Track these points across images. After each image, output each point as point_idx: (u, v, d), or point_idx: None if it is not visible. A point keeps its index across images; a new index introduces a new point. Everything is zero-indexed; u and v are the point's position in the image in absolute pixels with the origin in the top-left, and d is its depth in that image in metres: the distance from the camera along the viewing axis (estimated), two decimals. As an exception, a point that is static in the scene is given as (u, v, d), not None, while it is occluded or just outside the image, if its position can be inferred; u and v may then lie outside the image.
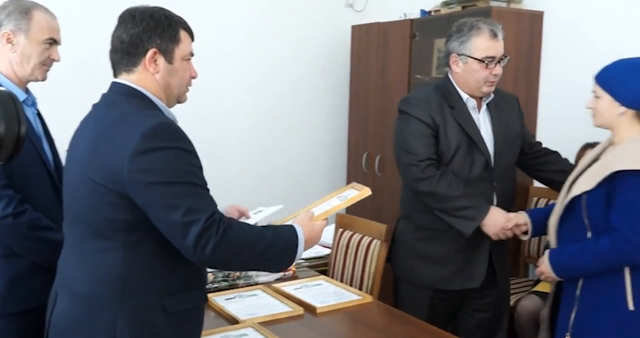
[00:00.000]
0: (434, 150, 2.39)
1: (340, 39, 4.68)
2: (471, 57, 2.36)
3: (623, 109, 2.00)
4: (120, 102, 1.56)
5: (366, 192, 1.84)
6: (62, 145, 2.19)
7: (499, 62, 2.38)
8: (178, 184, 1.44)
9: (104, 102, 1.61)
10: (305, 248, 1.62)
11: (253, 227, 1.57)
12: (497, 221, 2.33)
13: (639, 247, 1.91)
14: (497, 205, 2.42)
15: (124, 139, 1.45)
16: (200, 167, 1.52)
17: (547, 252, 2.12)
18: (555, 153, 2.63)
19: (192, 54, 1.64)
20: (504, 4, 3.50)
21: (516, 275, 3.64)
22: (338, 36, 4.69)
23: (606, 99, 2.02)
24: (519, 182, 2.81)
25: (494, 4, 3.45)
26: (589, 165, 2.13)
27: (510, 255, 3.57)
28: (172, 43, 1.57)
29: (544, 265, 2.11)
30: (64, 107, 3.01)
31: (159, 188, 1.43)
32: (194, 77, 1.67)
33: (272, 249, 1.54)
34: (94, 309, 1.51)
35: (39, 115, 2.12)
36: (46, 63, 2.03)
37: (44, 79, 2.05)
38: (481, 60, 2.35)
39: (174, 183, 1.44)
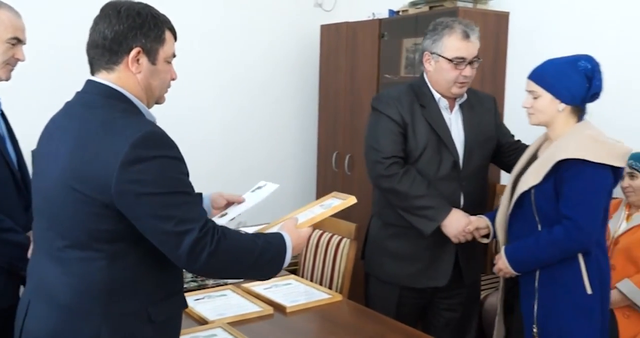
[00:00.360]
0: (400, 148, 2.41)
1: (310, 39, 4.68)
2: (442, 56, 2.37)
3: (563, 105, 2.10)
4: (100, 104, 1.48)
5: (351, 200, 1.84)
6: (26, 146, 2.16)
7: (470, 63, 2.38)
8: (170, 194, 1.40)
9: (81, 102, 1.53)
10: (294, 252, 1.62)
11: (245, 236, 1.56)
12: (458, 223, 2.35)
13: (590, 233, 2.03)
14: (464, 205, 2.44)
15: (112, 147, 1.38)
16: (187, 174, 1.48)
17: (502, 248, 2.18)
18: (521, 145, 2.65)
19: (174, 56, 1.58)
20: (470, 5, 3.55)
21: (484, 272, 3.68)
22: (307, 36, 4.70)
23: (547, 97, 2.11)
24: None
25: (460, 4, 3.49)
26: (529, 162, 2.20)
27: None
28: (157, 43, 1.51)
29: (502, 262, 2.17)
30: (28, 107, 2.97)
31: (151, 199, 1.38)
32: (173, 79, 1.61)
33: (264, 257, 1.54)
34: (76, 320, 1.45)
35: (2, 114, 2.08)
36: (10, 62, 1.99)
37: (7, 79, 2.01)
38: (451, 60, 2.36)
39: (165, 193, 1.40)
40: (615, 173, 2.07)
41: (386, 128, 2.42)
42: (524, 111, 3.57)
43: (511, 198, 2.20)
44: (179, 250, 1.40)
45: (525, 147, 2.63)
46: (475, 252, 2.58)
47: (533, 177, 2.10)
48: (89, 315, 1.45)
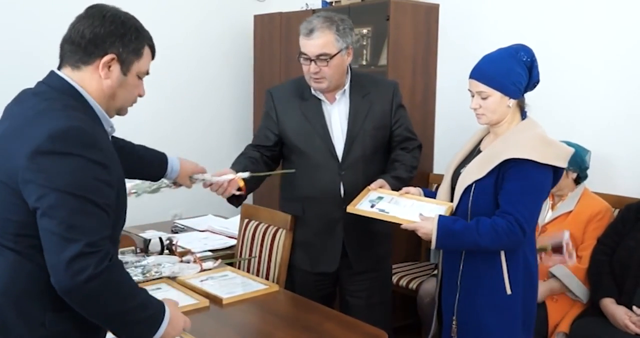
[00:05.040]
0: (260, 139, 2.58)
1: (243, 28, 4.66)
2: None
3: (512, 101, 2.05)
4: (50, 96, 1.45)
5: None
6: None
7: (314, 61, 2.35)
8: (73, 196, 1.33)
9: (34, 90, 1.50)
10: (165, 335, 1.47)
11: (131, 279, 1.44)
12: None
13: (527, 234, 2.00)
14: (345, 196, 2.44)
15: (31, 135, 1.35)
16: (108, 183, 1.40)
17: (436, 215, 2.06)
18: (402, 159, 2.55)
19: (147, 73, 1.57)
20: (401, -4, 3.60)
21: (417, 259, 3.77)
22: (240, 25, 4.68)
23: (496, 95, 2.03)
24: (419, 169, 2.82)
25: (392, -5, 3.55)
26: (470, 154, 2.19)
27: (411, 240, 3.69)
28: (133, 56, 1.51)
29: (428, 224, 2.04)
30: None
31: (52, 195, 1.31)
32: (140, 96, 1.60)
33: (139, 313, 1.42)
34: None
35: None
36: None
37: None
38: (299, 55, 2.39)
39: (68, 193, 1.32)
40: (556, 173, 2.07)
41: (263, 121, 2.59)
42: (454, 102, 3.70)
43: (452, 189, 2.18)
44: (58, 258, 1.31)
45: (405, 158, 2.56)
46: (368, 242, 2.58)
47: (477, 170, 2.06)
48: None
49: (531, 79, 2.06)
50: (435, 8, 3.72)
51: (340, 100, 2.49)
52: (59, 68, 1.51)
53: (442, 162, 3.80)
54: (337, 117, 2.49)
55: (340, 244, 2.52)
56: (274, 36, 4.31)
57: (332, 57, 2.35)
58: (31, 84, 1.54)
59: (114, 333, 1.49)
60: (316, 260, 2.56)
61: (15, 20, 3.77)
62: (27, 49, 3.77)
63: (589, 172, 2.93)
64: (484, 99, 2.05)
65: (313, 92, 2.48)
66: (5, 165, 1.38)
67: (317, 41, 2.34)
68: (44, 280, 1.38)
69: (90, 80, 1.48)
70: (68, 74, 1.49)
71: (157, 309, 1.46)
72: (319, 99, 2.48)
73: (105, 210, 1.39)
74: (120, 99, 1.54)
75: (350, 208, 2.24)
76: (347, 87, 2.48)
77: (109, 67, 1.48)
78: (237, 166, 2.43)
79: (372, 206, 2.24)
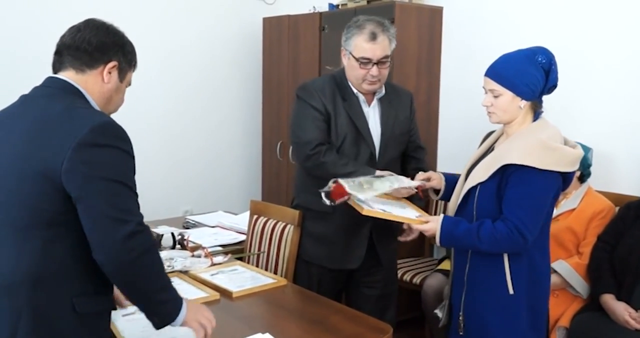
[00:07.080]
0: (325, 135, 2.48)
1: (252, 30, 4.73)
2: (352, 54, 2.45)
3: (524, 102, 2.03)
4: (62, 98, 1.57)
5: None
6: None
7: (377, 64, 2.42)
8: (117, 183, 1.47)
9: (41, 94, 1.61)
10: (188, 318, 1.62)
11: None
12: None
13: (529, 240, 1.99)
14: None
15: (71, 129, 1.46)
16: (134, 172, 1.55)
17: (441, 215, 2.12)
18: (419, 160, 2.67)
19: (129, 84, 1.73)
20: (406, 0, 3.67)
21: (421, 255, 3.84)
22: (250, 28, 4.74)
23: (508, 95, 2.02)
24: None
25: (397, -1, 3.61)
26: (484, 154, 2.19)
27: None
28: (129, 65, 1.68)
29: (433, 226, 2.10)
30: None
31: (98, 182, 1.45)
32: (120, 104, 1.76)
33: (165, 292, 1.58)
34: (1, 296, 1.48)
35: None
36: None
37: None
38: (357, 59, 2.43)
39: (113, 180, 1.47)
40: (565, 176, 2.06)
41: (311, 116, 2.48)
42: (458, 102, 3.76)
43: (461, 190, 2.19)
44: (115, 236, 1.44)
45: (415, 157, 2.66)
46: (391, 237, 2.65)
47: (481, 173, 2.07)
48: (10, 299, 1.47)
49: (548, 82, 2.04)
50: (439, 11, 3.78)
51: (375, 103, 2.56)
52: (55, 72, 1.63)
53: (445, 161, 3.86)
54: (373, 119, 2.54)
55: (365, 242, 2.57)
56: (282, 38, 4.38)
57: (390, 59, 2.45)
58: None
59: (147, 311, 1.59)
60: (337, 257, 2.59)
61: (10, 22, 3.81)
62: (21, 53, 3.80)
63: (591, 170, 2.96)
64: (495, 97, 2.05)
65: (355, 92, 2.52)
66: (44, 156, 1.46)
67: (382, 44, 2.41)
68: (71, 266, 1.50)
69: (94, 84, 1.62)
70: (70, 77, 1.61)
71: (175, 297, 1.60)
72: (358, 100, 2.53)
73: (136, 195, 1.54)
74: (114, 103, 1.70)
75: (366, 212, 2.17)
76: (383, 89, 2.55)
77: (109, 73, 1.63)
78: (366, 170, 2.38)
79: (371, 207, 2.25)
